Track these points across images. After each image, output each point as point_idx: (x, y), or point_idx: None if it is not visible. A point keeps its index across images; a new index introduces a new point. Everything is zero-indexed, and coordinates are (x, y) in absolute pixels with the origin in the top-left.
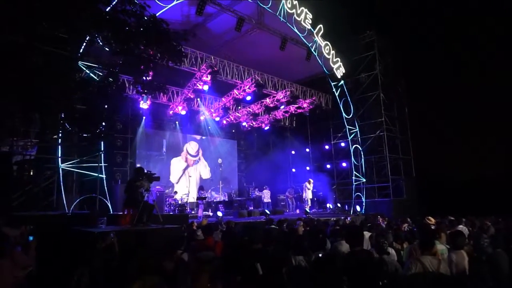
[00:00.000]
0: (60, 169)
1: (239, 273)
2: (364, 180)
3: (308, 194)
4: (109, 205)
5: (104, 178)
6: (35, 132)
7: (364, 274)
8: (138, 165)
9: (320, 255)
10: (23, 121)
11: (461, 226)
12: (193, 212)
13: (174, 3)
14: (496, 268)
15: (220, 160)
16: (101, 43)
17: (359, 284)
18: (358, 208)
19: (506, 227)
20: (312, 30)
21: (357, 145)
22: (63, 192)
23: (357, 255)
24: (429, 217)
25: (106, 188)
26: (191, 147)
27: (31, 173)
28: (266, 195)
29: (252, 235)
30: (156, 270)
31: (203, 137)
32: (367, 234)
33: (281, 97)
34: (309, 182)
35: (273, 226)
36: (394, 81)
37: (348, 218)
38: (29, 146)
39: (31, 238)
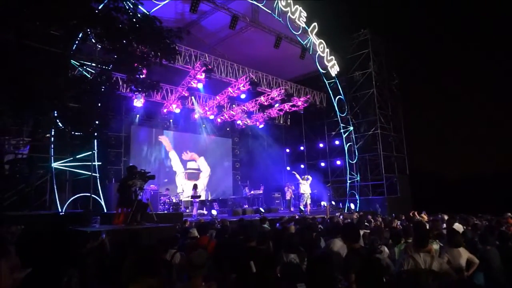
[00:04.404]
0: (53, 168)
1: (233, 271)
2: (358, 178)
3: (305, 189)
4: (103, 204)
5: (98, 177)
6: (27, 130)
7: (369, 271)
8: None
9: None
10: (15, 119)
11: (456, 224)
12: (187, 210)
13: (167, 0)
14: (488, 265)
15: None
16: (93, 41)
17: (365, 281)
18: (352, 206)
19: (497, 224)
20: (307, 28)
21: (351, 143)
22: (56, 191)
23: (359, 252)
24: (422, 214)
25: (99, 187)
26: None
27: (24, 172)
28: (288, 192)
29: (248, 233)
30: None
31: (197, 135)
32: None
33: (275, 95)
34: (295, 174)
35: (265, 226)
36: (388, 79)
37: (341, 217)
38: (21, 145)
39: None
